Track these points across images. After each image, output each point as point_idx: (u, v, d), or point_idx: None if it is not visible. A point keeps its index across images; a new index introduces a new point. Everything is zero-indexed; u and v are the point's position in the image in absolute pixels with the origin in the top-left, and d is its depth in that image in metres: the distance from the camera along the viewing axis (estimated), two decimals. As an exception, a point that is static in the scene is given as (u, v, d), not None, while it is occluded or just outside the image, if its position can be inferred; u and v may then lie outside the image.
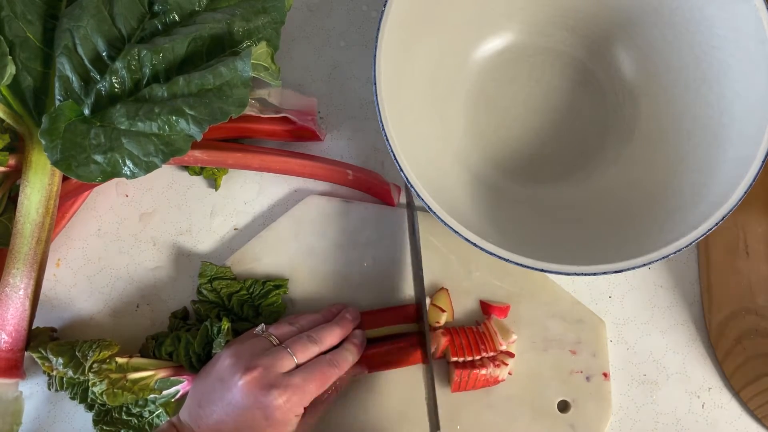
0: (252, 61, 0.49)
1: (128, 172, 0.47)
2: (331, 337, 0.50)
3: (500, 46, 0.58)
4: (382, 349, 0.54)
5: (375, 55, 0.47)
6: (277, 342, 0.49)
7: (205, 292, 0.55)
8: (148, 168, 0.47)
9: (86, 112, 0.50)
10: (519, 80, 0.58)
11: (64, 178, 0.54)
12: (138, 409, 0.52)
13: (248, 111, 0.57)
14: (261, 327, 0.51)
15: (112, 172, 0.47)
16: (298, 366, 0.48)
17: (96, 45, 0.50)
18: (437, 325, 0.54)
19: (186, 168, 0.59)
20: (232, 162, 0.56)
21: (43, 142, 0.47)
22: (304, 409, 0.47)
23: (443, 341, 0.53)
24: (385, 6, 0.48)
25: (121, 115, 0.48)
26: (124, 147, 0.47)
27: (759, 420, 0.55)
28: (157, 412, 0.52)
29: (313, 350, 0.49)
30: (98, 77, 0.50)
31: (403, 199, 0.59)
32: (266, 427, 0.46)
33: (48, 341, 0.53)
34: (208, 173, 0.58)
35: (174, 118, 0.47)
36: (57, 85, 0.50)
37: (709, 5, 0.49)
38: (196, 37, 0.50)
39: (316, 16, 0.62)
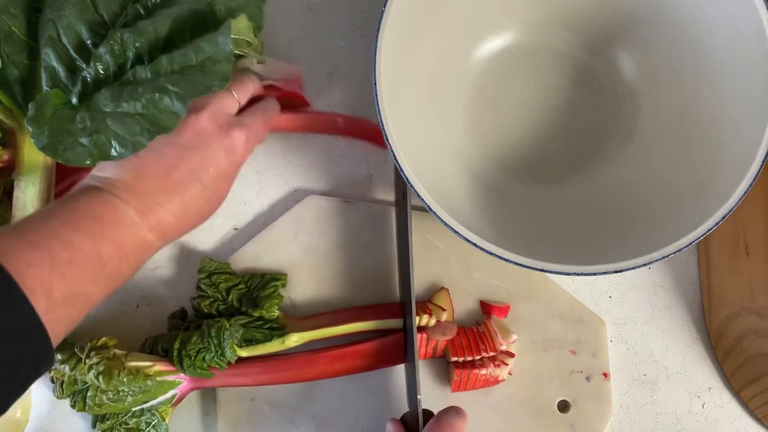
0: (234, 36, 0.49)
1: (115, 153, 0.47)
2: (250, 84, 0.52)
3: (500, 46, 0.58)
4: (384, 344, 0.54)
5: (375, 55, 0.47)
6: None
7: (204, 287, 0.55)
8: (135, 148, 0.47)
9: (74, 100, 0.49)
10: (519, 80, 0.58)
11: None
12: (135, 420, 0.52)
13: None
14: None
15: (99, 154, 0.47)
16: (241, 108, 0.50)
17: (79, 33, 0.50)
18: (439, 324, 0.54)
19: (186, 168, 0.59)
20: None
21: (30, 128, 0.47)
22: None
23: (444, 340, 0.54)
24: (385, 6, 0.48)
25: (105, 99, 0.48)
26: (109, 128, 0.47)
27: (759, 420, 0.55)
28: (153, 422, 0.52)
29: (251, 87, 0.51)
30: (84, 65, 0.50)
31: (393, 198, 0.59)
32: (225, 164, 0.47)
33: None
34: (208, 173, 0.58)
35: (157, 95, 0.47)
36: (44, 76, 0.50)
37: (709, 5, 0.49)
38: (177, 17, 0.50)
39: (316, 16, 0.62)
